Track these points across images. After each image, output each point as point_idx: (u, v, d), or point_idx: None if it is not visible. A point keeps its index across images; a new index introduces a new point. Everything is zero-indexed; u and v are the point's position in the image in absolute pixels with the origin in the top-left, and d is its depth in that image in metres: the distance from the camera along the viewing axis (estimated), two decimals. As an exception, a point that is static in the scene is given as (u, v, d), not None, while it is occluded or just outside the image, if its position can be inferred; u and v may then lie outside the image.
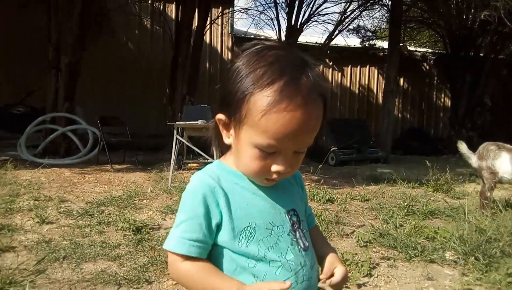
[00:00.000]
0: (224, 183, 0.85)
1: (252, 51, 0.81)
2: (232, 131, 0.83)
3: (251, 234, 0.84)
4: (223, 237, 0.83)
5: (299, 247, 0.88)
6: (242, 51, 0.83)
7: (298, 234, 0.89)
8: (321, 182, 5.40)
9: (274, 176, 0.83)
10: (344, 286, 0.91)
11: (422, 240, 3.20)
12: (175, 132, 5.55)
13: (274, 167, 0.81)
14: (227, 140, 0.86)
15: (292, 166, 0.83)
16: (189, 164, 6.95)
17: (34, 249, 2.78)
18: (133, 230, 3.21)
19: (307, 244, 0.91)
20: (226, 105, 0.81)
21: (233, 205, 0.84)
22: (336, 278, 0.89)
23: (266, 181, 0.85)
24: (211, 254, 0.85)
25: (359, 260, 2.66)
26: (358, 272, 2.55)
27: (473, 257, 2.72)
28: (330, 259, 0.93)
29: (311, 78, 0.78)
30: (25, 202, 4.00)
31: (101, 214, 3.72)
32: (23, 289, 2.15)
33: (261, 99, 0.75)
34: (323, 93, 0.80)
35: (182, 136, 5.90)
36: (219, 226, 0.83)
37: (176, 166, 5.92)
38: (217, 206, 0.83)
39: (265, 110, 0.75)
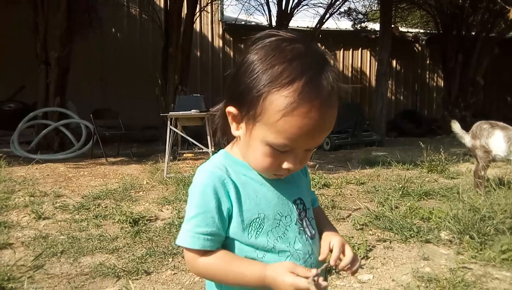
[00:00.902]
0: (233, 174, 0.84)
1: (269, 44, 0.78)
2: (242, 125, 0.82)
3: (260, 225, 0.83)
4: (233, 229, 0.83)
5: (306, 235, 0.88)
6: (255, 41, 0.80)
7: (305, 223, 0.89)
8: (316, 167, 5.42)
9: (284, 172, 0.83)
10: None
11: (418, 221, 3.23)
12: (168, 122, 5.53)
13: (285, 165, 0.81)
14: (236, 132, 0.84)
15: (302, 162, 0.83)
16: (184, 155, 6.94)
17: (31, 245, 2.78)
18: (130, 222, 3.21)
19: (313, 232, 0.91)
20: (239, 99, 0.79)
21: (243, 197, 0.83)
22: (334, 254, 0.86)
23: (274, 175, 0.85)
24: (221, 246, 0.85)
25: (356, 243, 2.69)
26: (355, 255, 2.57)
27: (468, 236, 2.76)
28: (325, 236, 0.92)
29: (330, 79, 0.76)
30: (21, 198, 3.99)
31: (97, 207, 3.72)
32: (22, 285, 2.16)
33: (279, 99, 0.73)
34: (341, 95, 0.79)
35: (175, 127, 5.88)
36: (230, 218, 0.83)
37: (171, 157, 5.91)
38: (228, 197, 0.82)
39: (283, 111, 0.73)
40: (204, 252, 0.82)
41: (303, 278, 0.77)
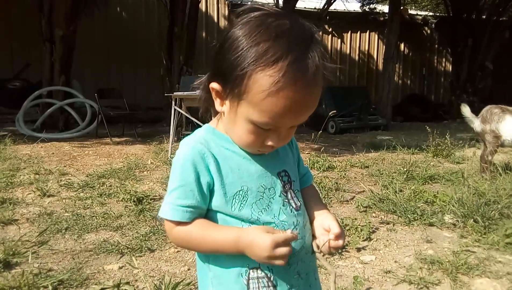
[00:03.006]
0: (214, 148, 0.84)
1: (254, 19, 0.75)
2: (227, 102, 0.80)
3: (243, 198, 0.84)
4: (216, 202, 0.83)
5: (291, 207, 0.88)
6: (239, 15, 0.78)
7: (289, 195, 0.89)
8: (321, 150, 5.40)
9: (268, 149, 0.83)
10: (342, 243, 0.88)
11: (422, 204, 3.22)
12: (173, 103, 5.50)
13: (269, 142, 0.81)
14: (220, 108, 0.83)
15: (285, 139, 0.83)
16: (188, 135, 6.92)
17: (36, 221, 2.81)
18: (134, 201, 3.23)
19: (299, 203, 0.91)
20: (223, 76, 0.77)
21: (224, 170, 0.83)
22: (334, 230, 0.86)
23: (258, 151, 0.85)
24: (206, 219, 0.85)
25: (359, 225, 2.69)
26: (358, 236, 2.58)
27: (472, 220, 2.75)
28: (320, 219, 0.91)
29: (316, 58, 0.74)
30: (26, 176, 4.01)
31: (102, 186, 3.74)
32: (26, 260, 2.19)
33: (263, 79, 0.72)
34: (326, 74, 0.78)
35: (180, 107, 5.85)
36: (211, 191, 0.83)
37: (175, 138, 5.90)
38: (207, 171, 0.82)
39: (267, 91, 0.72)
40: (184, 225, 0.83)
41: (281, 233, 0.80)
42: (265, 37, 0.72)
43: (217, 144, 0.85)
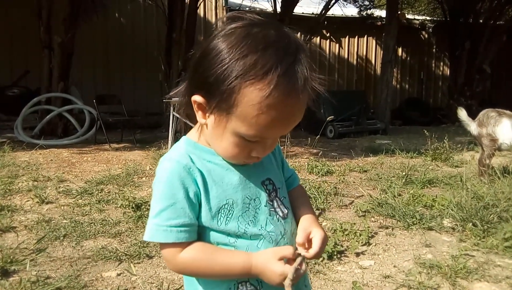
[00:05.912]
0: (197, 162, 0.81)
1: (239, 30, 0.73)
2: (211, 115, 0.77)
3: (229, 211, 0.81)
4: (202, 218, 0.80)
5: (277, 216, 0.86)
6: (221, 23, 0.77)
7: (276, 203, 0.87)
8: (319, 155, 5.40)
9: (254, 160, 0.82)
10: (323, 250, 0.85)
11: (420, 208, 3.22)
12: (171, 108, 5.50)
13: (254, 153, 0.79)
14: (203, 120, 0.80)
15: (270, 149, 0.82)
16: (187, 141, 6.92)
17: (34, 228, 2.80)
18: (132, 207, 3.22)
19: (286, 211, 0.88)
20: (208, 89, 0.74)
21: (209, 184, 0.81)
22: (314, 249, 0.82)
23: (243, 162, 0.83)
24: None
25: (358, 230, 2.68)
26: (357, 241, 2.58)
27: (470, 224, 2.75)
28: (304, 223, 0.87)
29: (304, 69, 0.73)
30: (24, 183, 4.00)
31: (100, 192, 3.73)
32: (24, 268, 2.18)
33: (254, 92, 0.69)
34: (313, 85, 0.76)
35: (178, 113, 5.85)
36: (200, 205, 0.80)
37: (174, 143, 5.90)
38: (195, 185, 0.79)
39: (257, 105, 0.70)
40: (181, 246, 0.79)
41: (292, 267, 0.77)
42: (253, 48, 0.70)
43: (199, 157, 0.82)
